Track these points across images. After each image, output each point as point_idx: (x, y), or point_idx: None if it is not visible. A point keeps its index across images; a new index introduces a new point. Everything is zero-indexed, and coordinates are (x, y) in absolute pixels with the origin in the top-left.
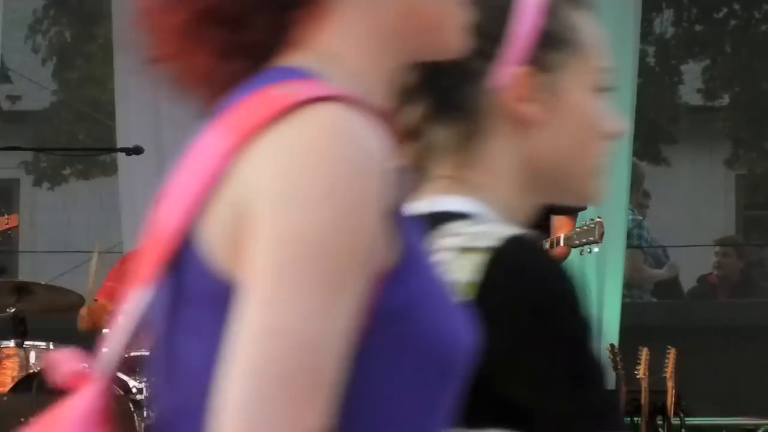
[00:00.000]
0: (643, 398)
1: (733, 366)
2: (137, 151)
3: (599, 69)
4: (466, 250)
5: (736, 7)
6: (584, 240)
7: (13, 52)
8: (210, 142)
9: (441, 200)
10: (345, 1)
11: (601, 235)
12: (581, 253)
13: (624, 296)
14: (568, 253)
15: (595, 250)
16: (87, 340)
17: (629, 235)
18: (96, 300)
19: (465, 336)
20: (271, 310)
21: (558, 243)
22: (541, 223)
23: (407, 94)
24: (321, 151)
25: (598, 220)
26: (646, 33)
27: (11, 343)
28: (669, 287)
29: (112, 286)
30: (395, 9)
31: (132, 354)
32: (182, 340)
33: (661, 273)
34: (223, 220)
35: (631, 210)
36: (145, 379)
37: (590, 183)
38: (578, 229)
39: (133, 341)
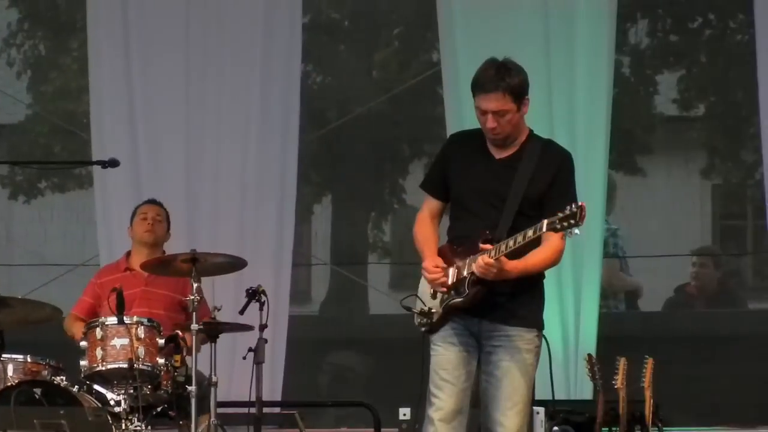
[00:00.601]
0: (621, 408)
1: (710, 376)
2: (113, 164)
3: None
4: None
5: (711, 17)
6: (566, 224)
7: None
8: None
9: None
10: None
11: (583, 217)
12: (562, 237)
13: (600, 306)
14: None
15: (576, 232)
16: (63, 353)
17: (605, 244)
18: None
19: None
20: None
21: (540, 229)
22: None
23: None
24: None
25: (581, 203)
26: (620, 43)
27: None
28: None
29: (86, 300)
30: None
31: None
32: None
33: (636, 281)
34: None
35: (606, 220)
36: (122, 391)
37: None
38: (560, 214)
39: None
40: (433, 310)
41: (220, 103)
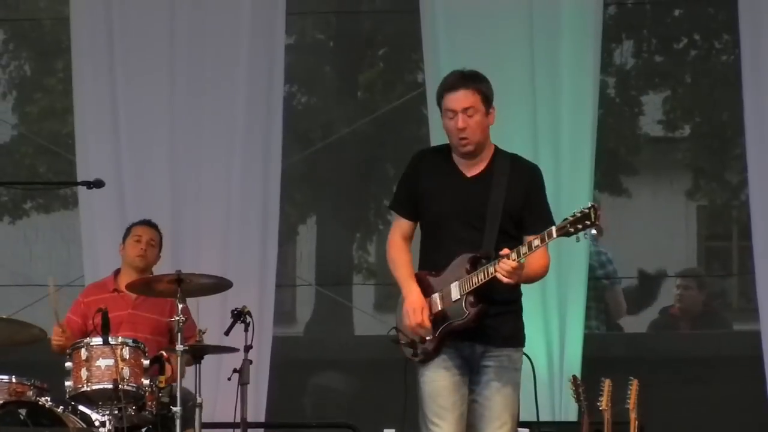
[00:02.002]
0: (606, 429)
1: (696, 397)
2: (98, 184)
3: None
4: None
5: (697, 37)
6: (579, 226)
7: None
8: None
9: None
10: None
11: (598, 216)
12: (577, 240)
13: (585, 327)
14: None
15: (593, 232)
16: (49, 373)
17: (603, 268)
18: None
19: None
20: None
21: (551, 236)
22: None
23: None
24: None
25: (591, 204)
26: (606, 64)
27: None
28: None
29: (72, 318)
30: None
31: (94, 388)
32: None
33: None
34: None
35: (594, 243)
36: (107, 412)
37: None
38: (570, 218)
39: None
40: (427, 338)
41: (204, 124)
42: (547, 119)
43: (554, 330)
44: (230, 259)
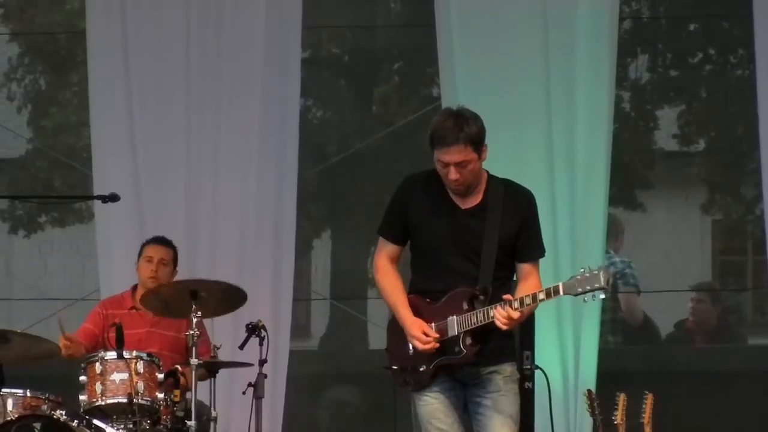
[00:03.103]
0: None
1: (710, 412)
2: (113, 198)
3: None
4: None
5: (712, 52)
6: (588, 287)
7: None
8: None
9: None
10: None
11: (608, 281)
12: (584, 301)
13: (600, 341)
14: None
15: (602, 296)
16: (63, 387)
17: (623, 276)
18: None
19: None
20: None
21: (557, 292)
22: (507, 275)
23: None
24: None
25: (601, 265)
26: (621, 78)
27: None
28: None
29: (89, 328)
30: None
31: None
32: None
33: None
34: None
35: (608, 252)
36: (122, 426)
37: None
38: (578, 277)
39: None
40: (420, 369)
41: (220, 138)
42: (563, 133)
43: (569, 344)
44: (246, 273)
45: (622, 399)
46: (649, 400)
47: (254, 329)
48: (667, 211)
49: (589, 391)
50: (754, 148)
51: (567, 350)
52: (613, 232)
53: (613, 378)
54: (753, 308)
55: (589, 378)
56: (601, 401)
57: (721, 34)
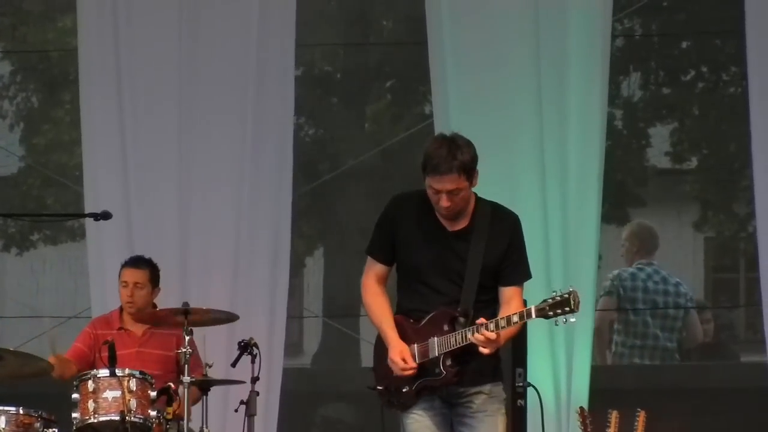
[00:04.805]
0: None
1: (703, 429)
2: (105, 216)
3: None
4: None
5: (704, 69)
6: (559, 311)
7: None
8: None
9: None
10: None
11: (577, 304)
12: (555, 324)
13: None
14: None
15: (572, 320)
16: (56, 405)
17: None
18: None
19: None
20: None
21: (529, 315)
22: (492, 297)
23: None
24: None
25: (571, 289)
26: (613, 96)
27: None
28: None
29: (80, 347)
30: None
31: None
32: None
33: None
34: None
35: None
36: None
37: None
38: (550, 300)
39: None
40: (404, 390)
41: (213, 156)
42: (555, 151)
43: (561, 361)
44: (239, 291)
45: (614, 416)
46: (641, 417)
47: (246, 347)
48: (659, 228)
49: (581, 408)
50: (746, 165)
51: (559, 368)
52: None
53: (605, 395)
54: (745, 325)
55: (581, 395)
56: (593, 419)
57: (713, 51)
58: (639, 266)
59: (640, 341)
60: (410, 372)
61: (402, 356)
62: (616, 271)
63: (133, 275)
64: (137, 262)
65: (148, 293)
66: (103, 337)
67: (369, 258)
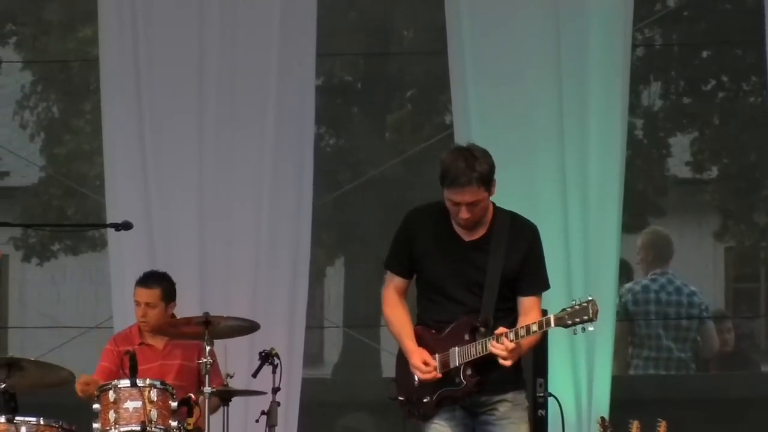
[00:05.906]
0: None
1: None
2: (126, 226)
3: None
4: None
5: (725, 79)
6: (577, 320)
7: (1, 128)
8: None
9: None
10: None
11: (596, 313)
12: (574, 333)
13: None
14: None
15: (590, 329)
16: (77, 415)
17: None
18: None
19: None
20: None
21: (548, 324)
22: (512, 306)
23: None
24: None
25: (590, 298)
26: (634, 106)
27: (2, 419)
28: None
29: (107, 366)
30: None
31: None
32: None
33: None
34: None
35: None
36: None
37: None
38: (569, 309)
39: None
40: (424, 400)
41: (234, 165)
42: (575, 161)
43: (582, 371)
44: (259, 301)
45: (635, 426)
46: (662, 427)
47: (267, 357)
48: (679, 238)
49: (602, 418)
50: (766, 175)
51: (580, 377)
52: (668, 252)
53: (626, 405)
54: (766, 335)
55: (602, 405)
56: (614, 429)
57: (733, 61)
58: (653, 277)
59: (654, 353)
60: (434, 375)
61: (423, 360)
62: (628, 285)
63: (144, 295)
64: (147, 280)
65: (161, 311)
66: None
67: (388, 272)
